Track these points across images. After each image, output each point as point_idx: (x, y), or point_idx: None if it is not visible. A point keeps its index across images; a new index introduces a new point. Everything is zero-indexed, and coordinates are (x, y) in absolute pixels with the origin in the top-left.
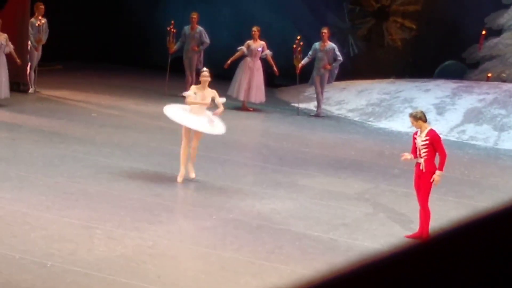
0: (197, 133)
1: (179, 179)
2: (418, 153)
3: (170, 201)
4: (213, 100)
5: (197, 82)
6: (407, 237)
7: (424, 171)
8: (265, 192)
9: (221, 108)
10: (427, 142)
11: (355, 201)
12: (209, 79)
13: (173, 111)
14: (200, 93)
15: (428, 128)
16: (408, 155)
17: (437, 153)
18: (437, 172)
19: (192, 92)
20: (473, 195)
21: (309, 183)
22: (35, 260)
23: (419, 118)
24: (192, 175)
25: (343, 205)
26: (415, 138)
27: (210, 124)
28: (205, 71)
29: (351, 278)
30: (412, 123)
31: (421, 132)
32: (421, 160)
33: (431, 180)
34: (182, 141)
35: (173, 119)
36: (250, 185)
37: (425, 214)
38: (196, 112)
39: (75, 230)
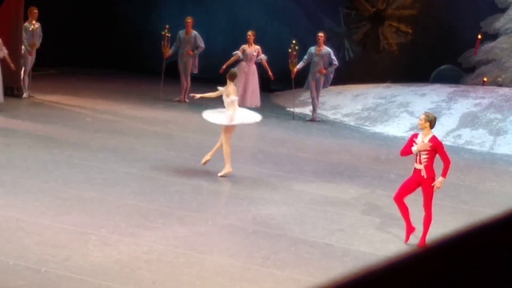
0: (223, 130)
1: (223, 173)
2: (417, 158)
3: (166, 207)
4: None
5: (192, 87)
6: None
7: (425, 177)
8: (260, 197)
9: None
10: (429, 148)
11: (351, 206)
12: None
13: (208, 114)
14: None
15: (432, 134)
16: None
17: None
18: (441, 178)
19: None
20: (469, 200)
21: (304, 188)
22: (29, 266)
23: (431, 121)
24: (207, 157)
25: (339, 210)
26: (413, 141)
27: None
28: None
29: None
30: (421, 124)
31: (424, 136)
32: (421, 167)
33: (432, 185)
34: (225, 139)
35: (209, 120)
36: (246, 190)
37: (428, 220)
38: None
39: (70, 236)
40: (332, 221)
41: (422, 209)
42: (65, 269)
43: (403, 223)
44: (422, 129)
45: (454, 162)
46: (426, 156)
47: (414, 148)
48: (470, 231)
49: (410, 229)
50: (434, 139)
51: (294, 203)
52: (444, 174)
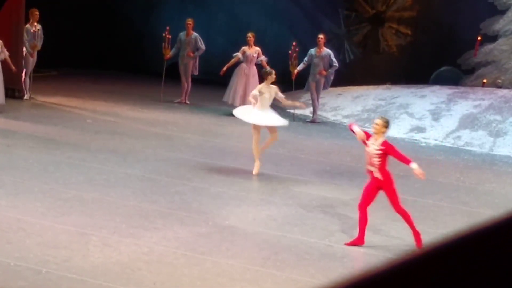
0: (271, 130)
1: (254, 171)
2: (369, 161)
3: (166, 208)
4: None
5: (192, 88)
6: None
7: (382, 179)
8: (260, 198)
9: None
10: (381, 152)
11: (351, 207)
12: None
13: (239, 111)
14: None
15: (383, 139)
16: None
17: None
18: (412, 165)
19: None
20: (469, 201)
21: (304, 189)
22: (30, 267)
23: (386, 126)
24: (255, 171)
25: (339, 211)
26: (365, 143)
27: (273, 117)
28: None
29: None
30: (378, 128)
31: (375, 140)
32: (374, 169)
33: (418, 174)
34: (253, 137)
35: (241, 118)
36: (246, 191)
37: (406, 217)
38: (261, 107)
39: (70, 236)
40: (332, 222)
41: (413, 209)
42: (66, 270)
43: (403, 224)
44: (376, 133)
45: (453, 164)
46: (378, 159)
47: (359, 136)
48: (471, 233)
49: (359, 240)
50: (385, 144)
51: (294, 204)
52: (408, 160)
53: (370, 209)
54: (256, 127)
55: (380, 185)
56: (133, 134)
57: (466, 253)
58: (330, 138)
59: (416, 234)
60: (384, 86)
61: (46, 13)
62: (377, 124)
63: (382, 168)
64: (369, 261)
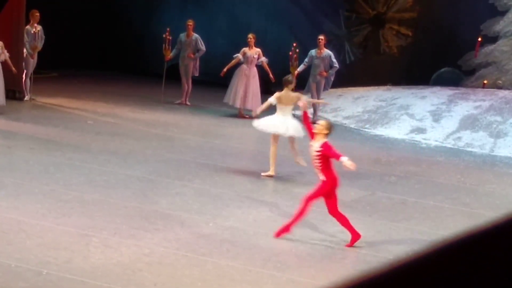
0: (290, 139)
1: (265, 173)
2: (312, 162)
3: (167, 209)
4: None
5: (193, 89)
6: (348, 246)
7: (325, 179)
8: (261, 199)
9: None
10: (320, 153)
11: (352, 208)
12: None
13: (259, 123)
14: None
15: (324, 141)
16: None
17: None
18: (342, 158)
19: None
20: (469, 202)
21: (305, 191)
22: (31, 268)
23: (329, 129)
24: (302, 162)
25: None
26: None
27: (292, 126)
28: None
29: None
30: (320, 129)
31: (316, 141)
32: (317, 171)
33: (348, 166)
34: (271, 146)
35: (260, 129)
36: (247, 192)
37: (343, 220)
38: (282, 114)
39: (71, 238)
40: (333, 223)
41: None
42: (66, 271)
43: (403, 225)
44: (318, 134)
45: (454, 164)
46: (319, 161)
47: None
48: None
49: (355, 236)
50: (325, 145)
51: (295, 205)
52: (338, 156)
53: (372, 210)
54: (275, 136)
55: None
56: (134, 135)
57: (467, 254)
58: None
59: (354, 236)
60: (385, 87)
61: (47, 14)
62: (320, 125)
63: (324, 169)
64: (370, 263)
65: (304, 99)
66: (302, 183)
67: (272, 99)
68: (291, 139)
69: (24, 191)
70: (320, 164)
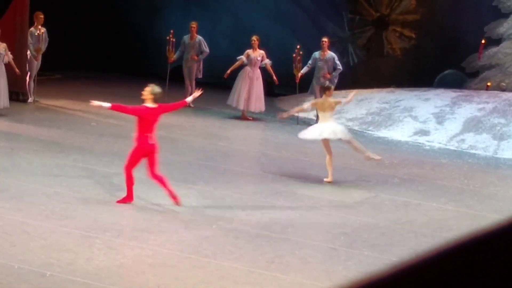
0: (343, 140)
1: (326, 179)
2: (148, 128)
3: (170, 211)
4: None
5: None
6: (118, 202)
7: (154, 143)
8: (264, 201)
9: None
10: (159, 116)
11: (355, 210)
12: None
13: (305, 134)
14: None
15: (156, 104)
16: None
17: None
18: (188, 99)
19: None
20: (473, 204)
21: (308, 192)
22: (34, 270)
23: (154, 94)
24: (375, 157)
25: (342, 214)
26: (148, 113)
27: (339, 129)
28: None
29: None
30: (146, 95)
31: (151, 107)
32: (152, 135)
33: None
34: (326, 154)
35: (308, 138)
36: (250, 194)
37: (163, 182)
38: (324, 121)
39: (74, 239)
40: (336, 225)
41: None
42: (70, 272)
43: (407, 227)
44: (145, 100)
45: (457, 167)
46: (156, 125)
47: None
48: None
49: (129, 198)
50: (160, 107)
51: (298, 207)
52: (185, 102)
53: (375, 212)
54: (325, 143)
55: (152, 150)
56: None
57: (471, 257)
58: (334, 141)
59: (173, 197)
60: (388, 89)
61: (51, 16)
62: (145, 91)
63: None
64: (373, 265)
65: (343, 101)
66: (305, 184)
67: (307, 105)
68: (348, 142)
69: (28, 193)
70: (156, 128)
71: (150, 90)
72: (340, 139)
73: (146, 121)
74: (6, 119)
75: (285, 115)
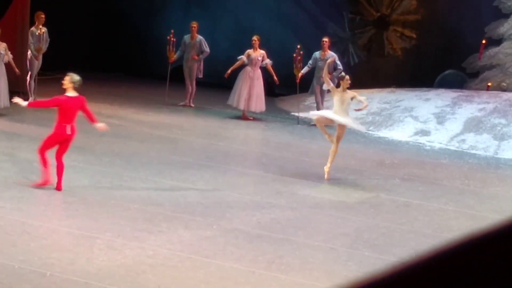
0: (341, 134)
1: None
2: (70, 117)
3: (170, 211)
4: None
5: (197, 91)
6: (36, 185)
7: (71, 133)
8: (265, 202)
9: (365, 104)
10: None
11: (356, 210)
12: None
13: (315, 112)
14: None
15: (78, 94)
16: None
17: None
18: (100, 125)
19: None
20: (473, 205)
21: (309, 193)
22: (34, 270)
23: (74, 82)
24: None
25: (343, 214)
26: (68, 102)
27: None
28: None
29: None
30: (66, 84)
31: (73, 97)
32: (72, 124)
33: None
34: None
35: (317, 115)
36: (250, 194)
37: (61, 168)
38: (339, 113)
39: (75, 239)
40: (337, 225)
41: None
42: (70, 273)
43: (407, 227)
44: (66, 89)
45: (458, 167)
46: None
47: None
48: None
49: (46, 182)
50: (81, 99)
51: (299, 207)
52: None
53: (376, 212)
54: (326, 122)
55: (68, 139)
56: (138, 137)
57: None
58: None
59: (58, 185)
60: (389, 89)
61: (51, 15)
62: (65, 80)
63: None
64: (373, 265)
65: (359, 98)
66: (306, 185)
67: (331, 84)
68: (340, 135)
69: (28, 193)
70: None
71: (69, 79)
72: (338, 123)
73: (66, 110)
74: (7, 118)
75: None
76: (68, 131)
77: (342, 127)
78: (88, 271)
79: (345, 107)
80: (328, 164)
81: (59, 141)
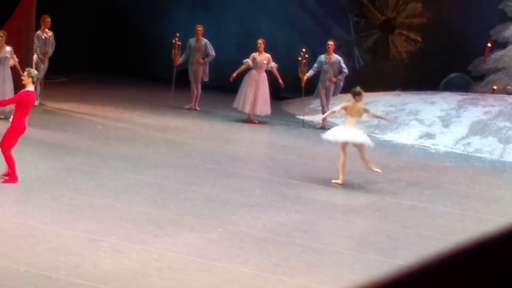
0: (357, 145)
1: (337, 181)
2: (28, 111)
3: (176, 214)
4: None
5: (202, 95)
6: (3, 182)
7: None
8: (270, 205)
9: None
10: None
11: (361, 213)
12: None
13: (328, 135)
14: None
15: (31, 88)
16: None
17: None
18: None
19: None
20: (479, 208)
21: (314, 196)
22: (40, 273)
23: (32, 77)
24: (375, 168)
25: (349, 217)
26: (30, 97)
27: (360, 135)
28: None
29: None
30: (25, 79)
31: (29, 89)
32: (27, 117)
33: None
34: (340, 154)
35: (331, 139)
36: (256, 197)
37: (11, 163)
38: (348, 124)
39: (81, 242)
40: (342, 228)
41: None
42: (76, 276)
43: (412, 230)
44: (26, 84)
45: (463, 170)
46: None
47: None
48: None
49: (14, 179)
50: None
51: (304, 210)
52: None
53: (381, 215)
54: (344, 146)
55: (24, 132)
56: (143, 140)
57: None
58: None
59: (13, 177)
60: (394, 93)
61: (57, 19)
62: (23, 76)
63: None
64: (379, 268)
65: (371, 113)
66: (312, 188)
67: (337, 108)
68: (360, 149)
69: (34, 196)
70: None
71: (27, 74)
72: (354, 143)
73: (27, 105)
74: None
75: (319, 120)
76: (27, 125)
77: (358, 145)
78: (93, 274)
79: (356, 119)
80: (340, 180)
81: (20, 136)
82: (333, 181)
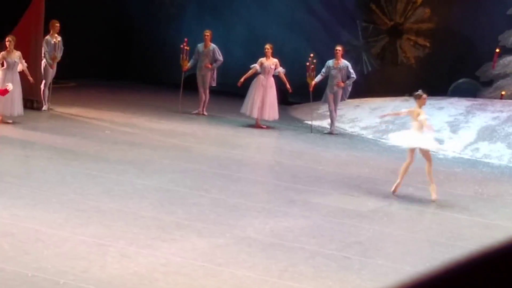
0: (425, 154)
1: (393, 188)
2: None
3: (183, 219)
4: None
5: (210, 100)
6: None
7: None
8: (278, 210)
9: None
10: None
11: (369, 219)
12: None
13: (397, 138)
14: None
15: None
16: None
17: None
18: None
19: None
20: (487, 214)
21: (322, 201)
22: (48, 278)
23: None
24: (433, 196)
25: (356, 223)
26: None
27: (428, 140)
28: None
29: None
30: None
31: None
32: None
33: None
34: (407, 160)
35: (399, 143)
36: (263, 202)
37: None
38: (415, 129)
39: (88, 247)
40: (350, 233)
41: None
42: (84, 280)
43: (420, 236)
44: None
45: (471, 175)
46: None
47: None
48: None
49: None
50: None
51: (312, 216)
52: None
53: (389, 221)
54: (411, 151)
55: None
56: (151, 145)
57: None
58: (347, 149)
59: None
60: (402, 98)
61: (65, 24)
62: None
63: None
64: (387, 274)
65: (422, 117)
66: (319, 193)
67: (403, 111)
68: (427, 157)
69: (42, 201)
70: None
71: None
72: (420, 149)
73: None
74: (21, 126)
75: (383, 115)
76: None
77: (424, 150)
78: (101, 279)
79: (418, 124)
80: (397, 186)
81: None
82: (394, 186)
